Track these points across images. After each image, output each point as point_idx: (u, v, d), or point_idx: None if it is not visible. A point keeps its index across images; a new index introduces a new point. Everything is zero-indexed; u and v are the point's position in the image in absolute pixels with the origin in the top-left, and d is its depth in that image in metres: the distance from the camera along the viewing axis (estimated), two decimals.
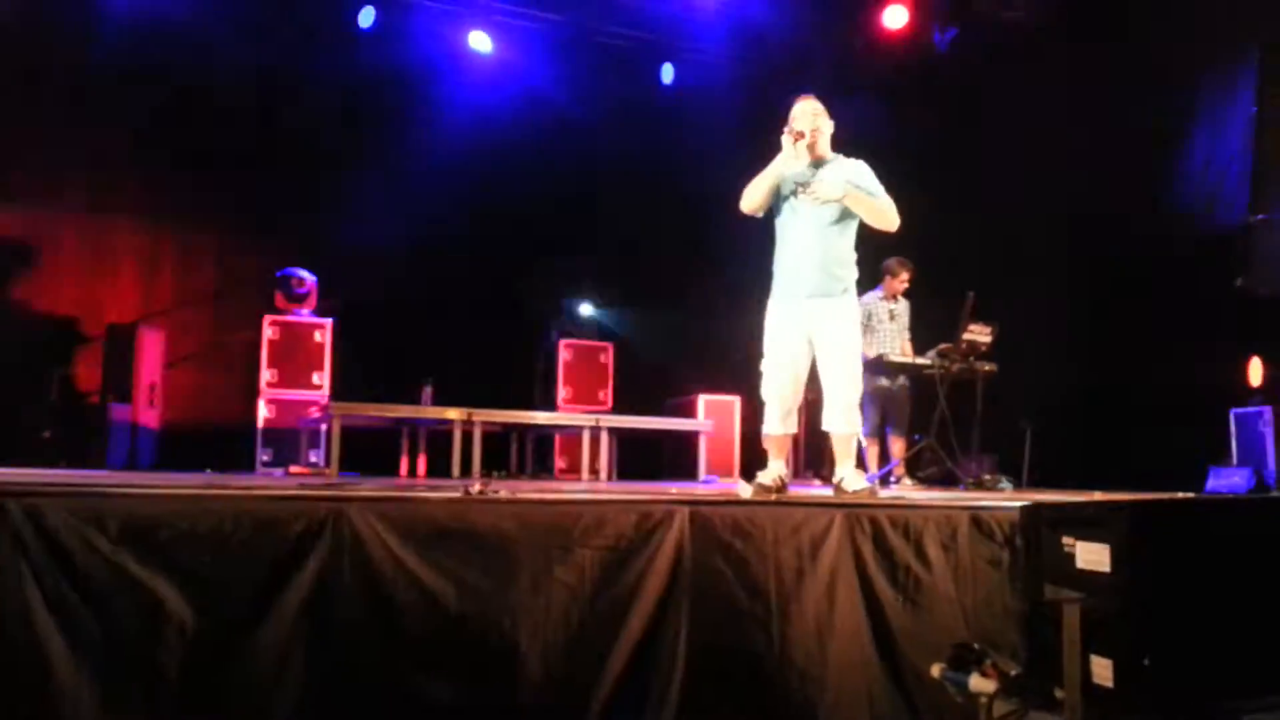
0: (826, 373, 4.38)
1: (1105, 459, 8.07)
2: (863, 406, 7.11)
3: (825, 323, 4.33)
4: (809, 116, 4.34)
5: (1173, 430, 8.30)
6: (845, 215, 4.35)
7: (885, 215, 4.35)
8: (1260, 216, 8.00)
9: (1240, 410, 7.69)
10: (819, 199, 4.32)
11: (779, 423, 4.41)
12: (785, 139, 4.28)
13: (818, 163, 4.37)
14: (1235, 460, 7.57)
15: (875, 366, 6.96)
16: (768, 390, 4.41)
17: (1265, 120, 7.62)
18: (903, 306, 7.27)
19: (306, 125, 7.74)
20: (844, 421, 4.40)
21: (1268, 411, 7.46)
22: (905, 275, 7.17)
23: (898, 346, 7.12)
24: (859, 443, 4.38)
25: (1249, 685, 2.41)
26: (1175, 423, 8.11)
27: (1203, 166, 8.12)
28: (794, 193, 4.37)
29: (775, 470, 4.36)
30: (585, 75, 8.69)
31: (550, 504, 2.93)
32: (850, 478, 4.32)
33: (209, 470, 5.99)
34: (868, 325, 7.15)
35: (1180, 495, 5.74)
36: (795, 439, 8.79)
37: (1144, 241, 8.25)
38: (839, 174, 4.33)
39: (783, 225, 4.42)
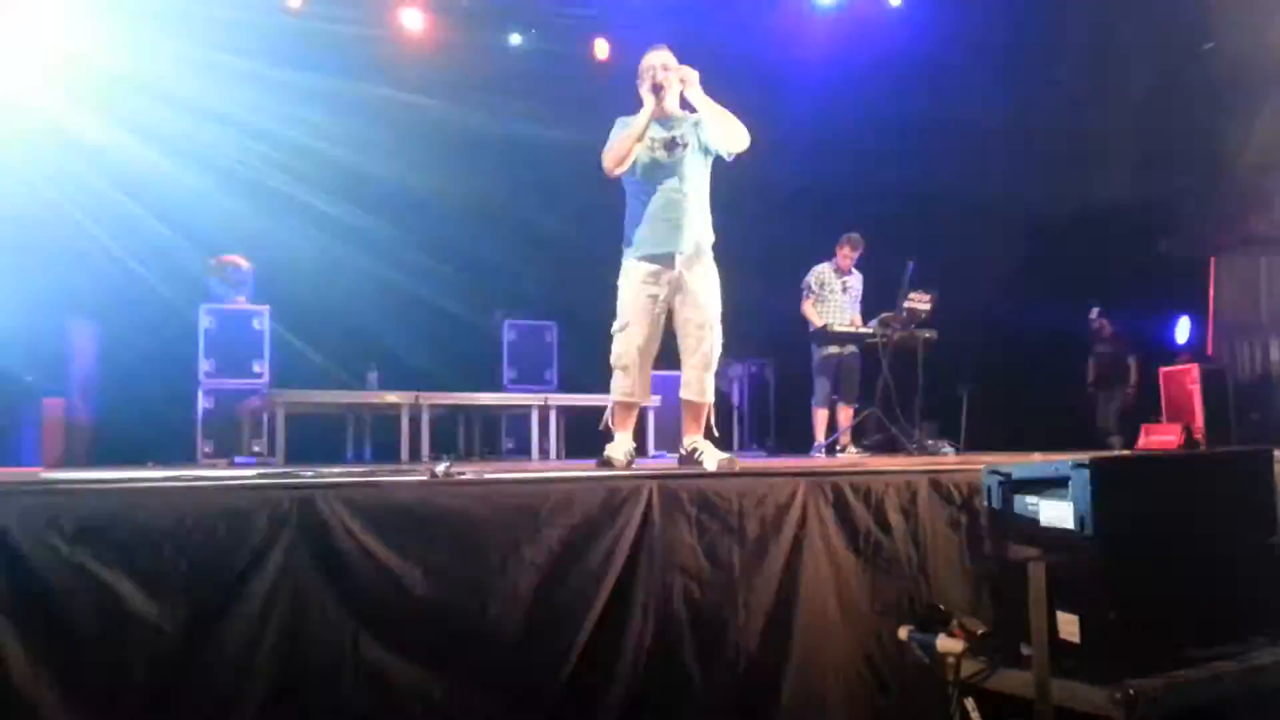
0: (697, 336, 4.12)
1: (1037, 420, 8.31)
2: (813, 376, 7.30)
3: (697, 283, 4.11)
4: (660, 69, 4.13)
5: (1101, 389, 8.56)
6: (707, 174, 4.20)
7: (739, 130, 4.13)
8: (1181, 182, 8.28)
9: (1168, 369, 7.96)
10: (694, 147, 4.16)
11: (641, 391, 4.14)
12: (645, 93, 4.09)
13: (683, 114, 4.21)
14: (1165, 417, 7.84)
15: (823, 336, 7.07)
16: (632, 356, 4.09)
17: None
18: (856, 279, 7.42)
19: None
20: (709, 389, 4.17)
21: (1195, 369, 7.74)
22: (851, 250, 7.30)
23: (847, 317, 7.25)
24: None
25: (1207, 633, 2.49)
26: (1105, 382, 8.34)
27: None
28: (661, 147, 4.14)
29: (629, 444, 4.13)
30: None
31: (518, 484, 2.91)
32: (710, 451, 4.05)
33: (150, 464, 5.82)
34: (819, 294, 7.27)
35: (1131, 452, 5.92)
36: (741, 411, 9.02)
37: (1073, 207, 8.46)
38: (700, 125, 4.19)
39: (646, 183, 4.14)
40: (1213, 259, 8.50)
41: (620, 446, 4.08)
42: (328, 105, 7.92)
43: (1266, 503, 2.79)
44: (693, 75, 4.10)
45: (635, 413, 4.22)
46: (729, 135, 4.13)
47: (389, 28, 8.37)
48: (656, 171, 4.12)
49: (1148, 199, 8.33)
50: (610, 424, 4.18)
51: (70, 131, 7.14)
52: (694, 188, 4.19)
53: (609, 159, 4.10)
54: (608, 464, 3.97)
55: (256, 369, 6.82)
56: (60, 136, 7.10)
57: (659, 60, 4.17)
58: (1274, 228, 8.12)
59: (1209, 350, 8.41)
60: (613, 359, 4.17)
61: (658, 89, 4.05)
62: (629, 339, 4.11)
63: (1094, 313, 8.96)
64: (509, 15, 8.85)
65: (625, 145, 4.08)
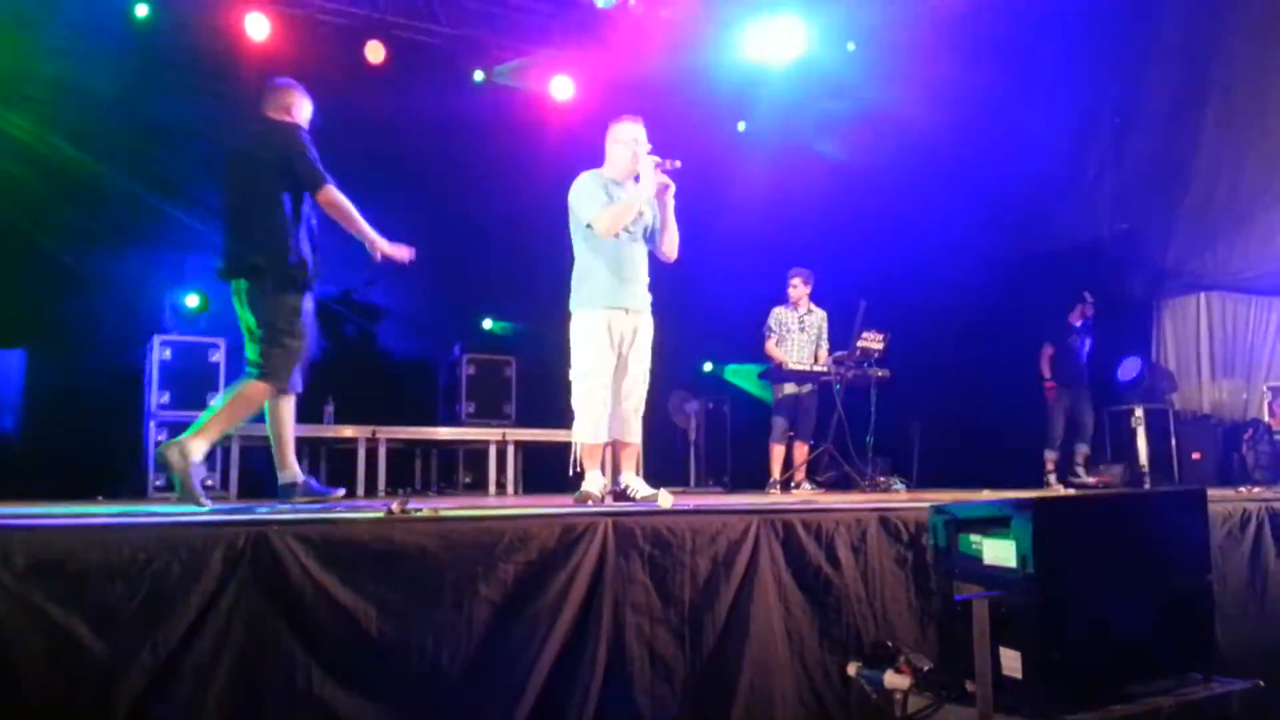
0: (635, 383, 4.48)
1: (988, 456, 8.44)
2: (772, 414, 7.38)
3: (640, 335, 4.48)
4: (642, 140, 4.50)
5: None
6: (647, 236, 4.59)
7: (675, 246, 4.61)
8: (1124, 225, 8.54)
9: (1113, 409, 8.16)
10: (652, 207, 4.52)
11: (604, 430, 4.40)
12: (650, 164, 4.39)
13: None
14: (1110, 455, 8.03)
15: (780, 374, 7.15)
16: (593, 398, 4.38)
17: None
18: (816, 317, 7.47)
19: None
20: (640, 430, 4.53)
21: (1139, 409, 7.95)
22: (802, 284, 7.38)
23: (806, 355, 7.29)
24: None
25: (1144, 669, 2.57)
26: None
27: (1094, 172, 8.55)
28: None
29: (600, 480, 4.36)
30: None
31: (474, 520, 2.93)
32: (644, 485, 4.40)
33: (100, 498, 5.74)
34: (779, 334, 7.34)
35: (1072, 491, 6.04)
36: (697, 447, 9.07)
37: (1024, 248, 8.67)
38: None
39: (611, 239, 4.44)
40: (1156, 302, 8.74)
41: (595, 481, 4.31)
42: None
43: (1200, 541, 2.90)
44: (672, 185, 4.49)
45: (602, 450, 4.45)
46: (670, 245, 4.59)
47: (353, 59, 8.38)
48: (621, 231, 4.45)
49: (1095, 241, 8.57)
50: (580, 465, 4.42)
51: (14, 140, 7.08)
52: (645, 249, 4.58)
53: (609, 224, 4.38)
54: (586, 499, 4.19)
55: (211, 402, 6.75)
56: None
57: (638, 133, 4.51)
58: (1215, 272, 8.38)
59: (1153, 391, 8.62)
60: (576, 404, 4.42)
61: (660, 169, 4.40)
62: (594, 385, 4.36)
63: (1088, 295, 8.33)
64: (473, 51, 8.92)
65: (626, 215, 4.41)
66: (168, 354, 6.72)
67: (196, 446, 3.90)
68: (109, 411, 7.15)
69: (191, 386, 6.73)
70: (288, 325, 4.15)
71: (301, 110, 4.45)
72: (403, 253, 4.38)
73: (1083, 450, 8.12)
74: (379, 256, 4.31)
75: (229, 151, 4.39)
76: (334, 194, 4.21)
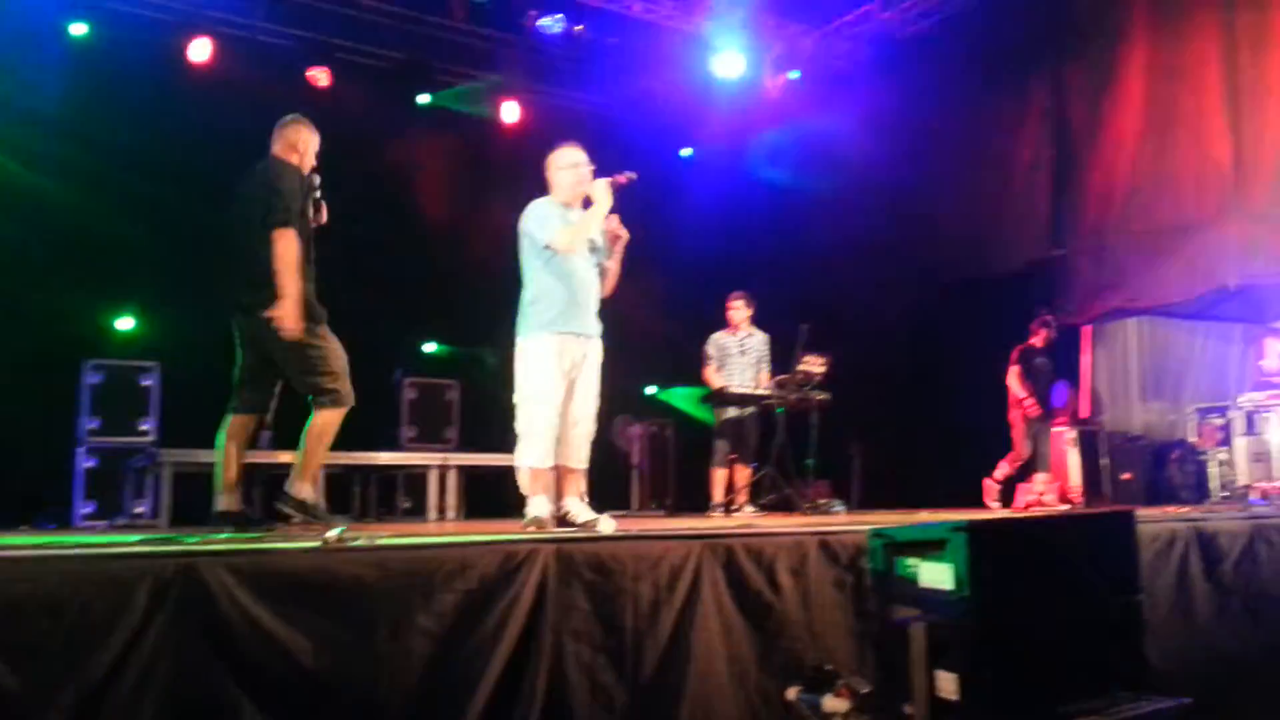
0: (585, 408, 4.46)
1: (922, 478, 8.55)
2: (714, 437, 7.39)
3: (590, 359, 4.48)
4: (584, 163, 4.56)
5: (982, 447, 8.84)
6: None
7: (611, 288, 4.65)
8: (1060, 250, 8.73)
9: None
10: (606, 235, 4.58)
11: (550, 455, 4.35)
12: (604, 183, 4.44)
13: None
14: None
15: (721, 399, 7.16)
16: (540, 423, 4.33)
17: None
18: (756, 340, 7.47)
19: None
20: (588, 456, 4.51)
21: (1071, 430, 8.12)
22: (743, 309, 7.41)
23: (748, 379, 7.29)
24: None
25: (1076, 689, 2.62)
26: (987, 440, 8.65)
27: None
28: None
29: (546, 505, 4.32)
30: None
31: (412, 549, 2.89)
32: (585, 510, 4.36)
33: (24, 527, 5.57)
34: (718, 359, 7.36)
35: (1006, 513, 6.14)
36: (640, 471, 9.08)
37: (965, 273, 8.82)
38: None
39: (566, 262, 4.44)
40: (1086, 327, 8.95)
41: (541, 507, 4.28)
42: (230, 157, 7.78)
43: (1129, 562, 2.96)
44: (625, 236, 4.57)
45: (548, 476, 4.41)
46: (611, 286, 4.63)
47: (296, 81, 8.30)
48: (576, 255, 4.46)
49: (1035, 266, 8.75)
50: (526, 490, 4.36)
51: None
52: (596, 276, 4.57)
53: (569, 241, 4.38)
54: (536, 523, 4.16)
55: (143, 427, 6.59)
56: None
57: (580, 157, 4.57)
58: (1145, 297, 8.59)
59: (1084, 413, 8.81)
60: (524, 428, 4.37)
61: (625, 179, 4.45)
62: (544, 409, 4.31)
63: (1050, 319, 8.07)
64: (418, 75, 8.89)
65: (584, 231, 4.45)
66: (98, 378, 6.55)
67: (304, 488, 4.12)
68: (36, 437, 6.95)
69: (123, 412, 6.55)
70: (310, 353, 4.17)
71: (308, 145, 4.41)
72: (295, 331, 4.16)
73: (1044, 479, 7.83)
74: (278, 323, 4.10)
75: (236, 193, 4.32)
76: (285, 241, 4.09)
